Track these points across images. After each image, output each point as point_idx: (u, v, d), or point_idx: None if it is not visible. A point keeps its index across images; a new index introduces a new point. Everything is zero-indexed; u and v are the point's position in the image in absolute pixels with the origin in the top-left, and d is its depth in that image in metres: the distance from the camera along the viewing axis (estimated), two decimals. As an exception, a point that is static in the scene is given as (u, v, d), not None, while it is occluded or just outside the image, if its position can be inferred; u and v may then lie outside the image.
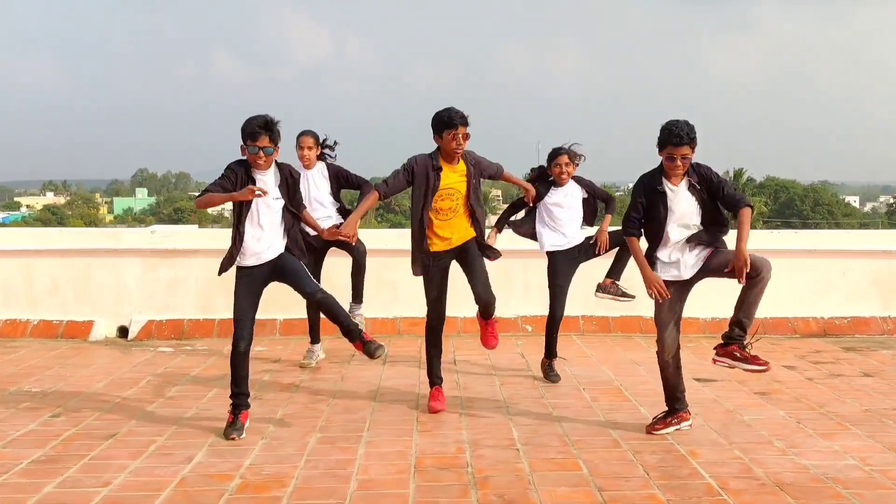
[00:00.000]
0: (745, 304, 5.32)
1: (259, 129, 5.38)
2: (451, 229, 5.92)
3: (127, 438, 5.44)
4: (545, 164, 6.94)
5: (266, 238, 5.52)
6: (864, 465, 4.88)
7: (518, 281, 9.03)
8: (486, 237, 6.10)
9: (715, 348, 5.52)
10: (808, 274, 9.39)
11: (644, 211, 5.40)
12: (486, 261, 6.01)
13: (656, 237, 5.41)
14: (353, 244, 6.88)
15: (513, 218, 7.24)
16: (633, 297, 7.14)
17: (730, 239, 5.35)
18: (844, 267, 9.45)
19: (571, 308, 7.89)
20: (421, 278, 6.04)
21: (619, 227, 5.95)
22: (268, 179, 5.49)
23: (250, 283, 5.55)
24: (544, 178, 6.96)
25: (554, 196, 6.90)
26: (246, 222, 5.48)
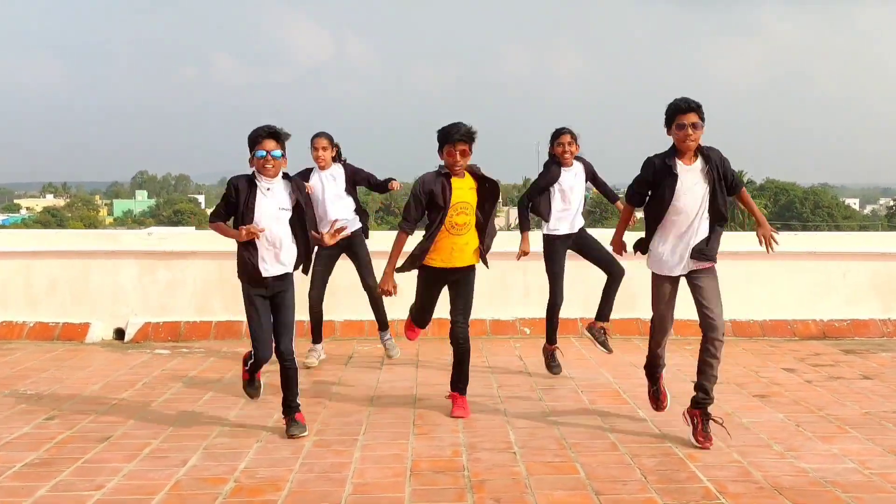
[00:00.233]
0: (700, 366, 5.34)
1: (265, 134, 5.31)
2: (459, 246, 5.82)
3: (121, 441, 5.40)
4: (549, 145, 6.93)
5: (272, 251, 5.41)
6: (864, 469, 4.84)
7: (516, 283, 9.00)
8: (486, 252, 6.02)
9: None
10: (807, 276, 9.36)
11: (648, 189, 5.33)
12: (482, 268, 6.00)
13: (655, 223, 5.31)
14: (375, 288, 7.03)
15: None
16: (610, 351, 7.17)
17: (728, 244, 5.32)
18: (844, 269, 9.41)
19: (570, 310, 7.89)
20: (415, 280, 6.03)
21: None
22: (276, 188, 5.40)
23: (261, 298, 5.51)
24: (554, 162, 6.94)
25: (563, 179, 6.87)
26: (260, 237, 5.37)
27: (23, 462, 4.99)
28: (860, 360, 7.91)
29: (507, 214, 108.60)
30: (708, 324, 5.23)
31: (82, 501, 4.40)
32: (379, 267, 7.41)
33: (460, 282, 5.92)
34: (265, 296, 5.48)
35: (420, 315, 6.16)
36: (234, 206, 5.39)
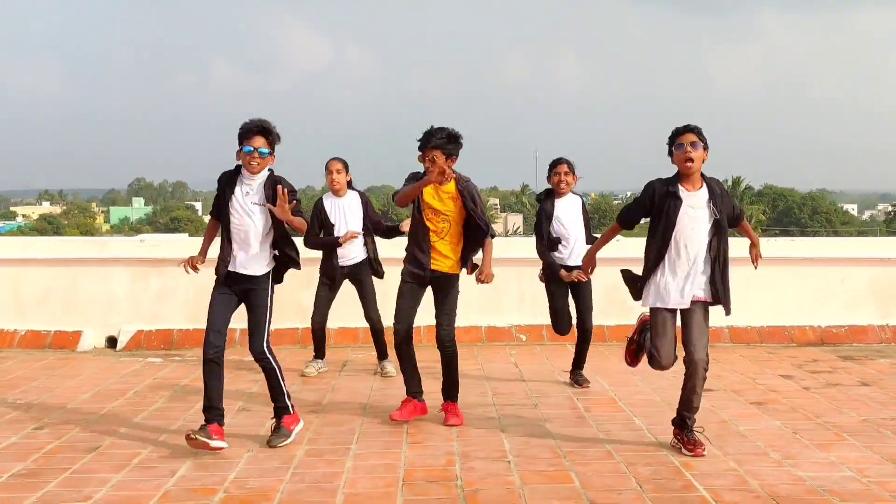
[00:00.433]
0: (684, 398, 5.27)
1: (255, 130, 5.24)
2: (438, 250, 5.81)
3: (110, 451, 5.33)
4: (547, 175, 6.88)
5: (243, 246, 5.33)
6: (862, 477, 4.78)
7: (512, 290, 8.94)
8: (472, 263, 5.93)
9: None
10: (805, 282, 9.30)
11: (644, 213, 5.27)
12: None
13: (655, 256, 5.21)
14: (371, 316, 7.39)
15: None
16: (587, 385, 7.04)
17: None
18: (842, 275, 9.36)
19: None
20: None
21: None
22: (256, 184, 5.32)
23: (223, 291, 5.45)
24: (550, 194, 6.89)
25: (556, 209, 6.80)
26: (231, 230, 5.34)
27: (9, 473, 4.92)
28: (858, 367, 7.85)
29: (504, 221, 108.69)
30: (691, 359, 5.15)
31: (68, 513, 4.34)
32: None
33: (440, 288, 5.90)
34: (232, 293, 5.41)
35: (397, 319, 6.00)
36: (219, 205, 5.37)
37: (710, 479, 4.75)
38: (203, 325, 8.70)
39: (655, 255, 5.22)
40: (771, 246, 9.82)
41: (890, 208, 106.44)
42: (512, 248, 9.36)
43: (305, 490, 4.63)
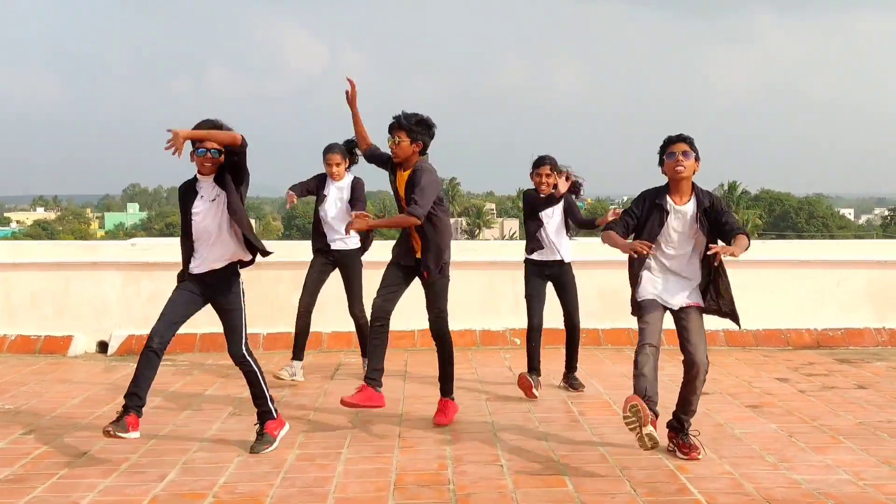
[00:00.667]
0: (683, 400, 5.21)
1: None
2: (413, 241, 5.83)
3: (99, 456, 5.26)
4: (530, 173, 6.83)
5: (208, 249, 5.29)
6: (858, 480, 4.73)
7: (506, 293, 8.88)
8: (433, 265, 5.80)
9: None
10: (801, 285, 9.26)
11: (636, 222, 5.19)
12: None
13: (639, 262, 5.18)
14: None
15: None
16: (582, 389, 6.97)
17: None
18: (838, 277, 9.32)
19: (560, 321, 7.77)
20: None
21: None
22: (208, 184, 5.28)
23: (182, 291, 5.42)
24: (531, 191, 6.87)
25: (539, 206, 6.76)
26: (195, 235, 5.30)
27: (-4, 478, 4.86)
28: (854, 370, 7.80)
29: (501, 226, 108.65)
30: (692, 361, 5.08)
31: (54, 519, 4.28)
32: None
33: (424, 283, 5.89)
34: (198, 294, 5.38)
35: (373, 303, 5.93)
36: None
37: (705, 482, 4.70)
38: (194, 330, 8.69)
39: (639, 261, 5.15)
40: (767, 249, 9.79)
41: (886, 213, 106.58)
42: (506, 251, 9.32)
43: (296, 494, 4.57)
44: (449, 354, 5.97)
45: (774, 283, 9.19)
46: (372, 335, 5.84)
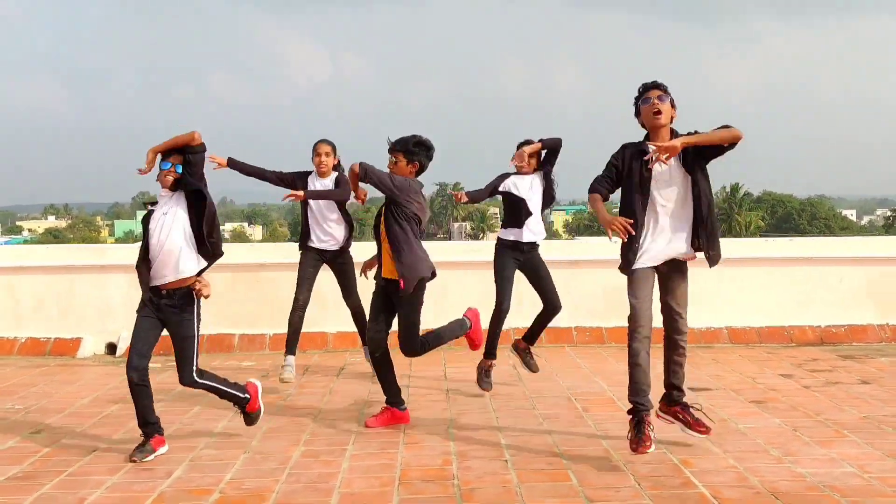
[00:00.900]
0: (670, 367, 5.23)
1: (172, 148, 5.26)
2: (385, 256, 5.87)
3: (106, 454, 5.30)
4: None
5: (166, 263, 5.24)
6: (863, 473, 4.74)
7: (510, 292, 8.88)
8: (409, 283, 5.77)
9: (659, 402, 5.33)
10: (804, 282, 9.28)
11: (618, 178, 5.06)
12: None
13: (633, 213, 5.01)
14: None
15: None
16: (535, 370, 7.07)
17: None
18: (841, 274, 9.34)
19: (564, 319, 7.81)
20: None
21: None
22: (169, 200, 5.30)
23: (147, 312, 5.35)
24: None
25: (519, 183, 6.75)
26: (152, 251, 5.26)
27: (5, 476, 4.89)
28: (858, 366, 7.82)
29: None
30: (676, 327, 5.12)
31: (63, 515, 4.31)
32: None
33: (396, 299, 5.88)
34: (156, 318, 5.32)
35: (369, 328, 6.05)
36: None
37: (709, 476, 4.72)
38: (200, 332, 8.69)
39: (635, 220, 4.99)
40: (769, 246, 9.82)
41: (889, 213, 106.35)
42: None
43: (301, 490, 4.60)
44: (384, 365, 5.94)
45: (777, 281, 9.22)
46: (375, 367, 5.96)
